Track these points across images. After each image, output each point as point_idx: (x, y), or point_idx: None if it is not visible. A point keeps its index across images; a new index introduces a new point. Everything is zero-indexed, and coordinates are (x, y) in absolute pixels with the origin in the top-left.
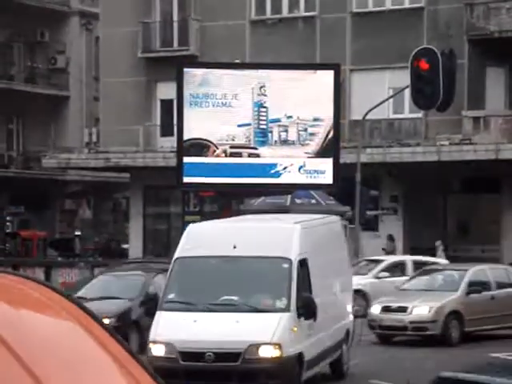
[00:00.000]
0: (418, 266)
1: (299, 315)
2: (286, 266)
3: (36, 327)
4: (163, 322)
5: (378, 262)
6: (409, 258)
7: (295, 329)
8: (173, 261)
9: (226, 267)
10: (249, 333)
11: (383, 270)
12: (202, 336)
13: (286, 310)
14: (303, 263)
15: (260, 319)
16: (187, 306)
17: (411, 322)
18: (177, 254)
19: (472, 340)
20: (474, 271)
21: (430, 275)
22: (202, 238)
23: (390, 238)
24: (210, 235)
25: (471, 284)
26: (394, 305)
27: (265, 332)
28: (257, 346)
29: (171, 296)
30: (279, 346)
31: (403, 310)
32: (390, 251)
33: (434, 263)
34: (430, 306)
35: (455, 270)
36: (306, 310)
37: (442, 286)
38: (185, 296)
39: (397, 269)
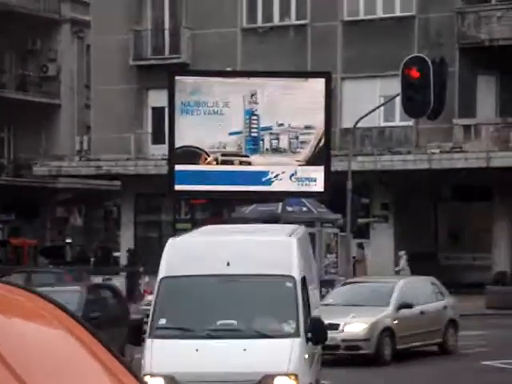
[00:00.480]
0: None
1: (307, 340)
2: (289, 285)
3: (27, 336)
4: (158, 351)
5: None
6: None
7: (306, 356)
8: (158, 280)
9: (221, 287)
10: (260, 362)
11: None
12: (208, 367)
13: (296, 334)
14: (304, 281)
15: (270, 346)
16: (184, 333)
17: (343, 341)
18: (162, 273)
19: (403, 358)
20: (403, 284)
21: (352, 289)
22: (188, 254)
23: (360, 246)
24: (198, 250)
25: (401, 298)
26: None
27: (279, 361)
28: (272, 377)
29: (162, 321)
30: (295, 376)
31: (334, 327)
32: (361, 259)
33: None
34: (363, 323)
35: (381, 282)
36: (316, 333)
37: (369, 300)
38: (179, 321)
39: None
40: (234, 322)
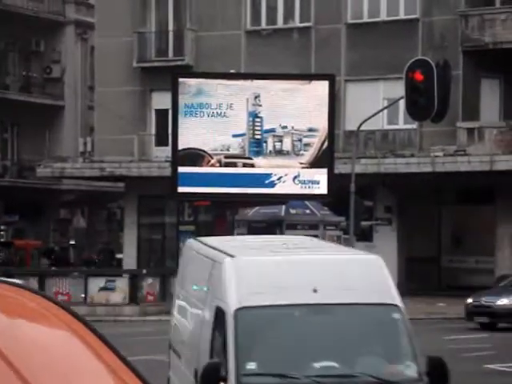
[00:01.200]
0: None
1: None
2: (396, 316)
3: (31, 337)
4: None
5: None
6: None
7: None
8: (233, 312)
9: (311, 320)
10: None
11: None
12: None
13: (420, 380)
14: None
15: None
16: (282, 381)
17: None
18: (236, 303)
19: None
20: None
21: None
22: (261, 278)
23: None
24: (274, 274)
25: None
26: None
27: None
28: None
29: (252, 366)
30: None
31: None
32: None
33: None
34: None
35: None
36: (438, 376)
37: None
38: (272, 365)
39: None
40: (335, 364)
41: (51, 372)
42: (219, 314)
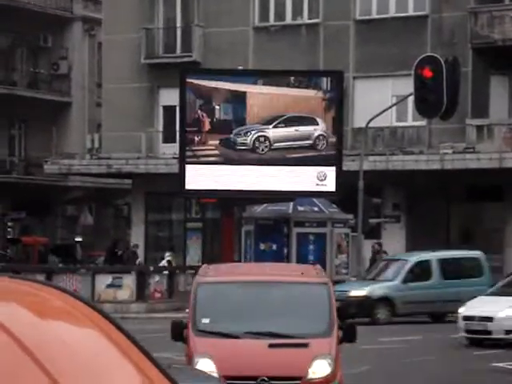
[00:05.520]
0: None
1: None
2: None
3: (58, 335)
4: None
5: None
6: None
7: None
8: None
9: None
10: None
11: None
12: None
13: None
14: None
15: None
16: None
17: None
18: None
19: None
20: None
21: None
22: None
23: (378, 244)
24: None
25: None
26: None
27: None
28: None
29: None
30: None
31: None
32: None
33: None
34: None
35: None
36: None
37: None
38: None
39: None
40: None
41: (78, 370)
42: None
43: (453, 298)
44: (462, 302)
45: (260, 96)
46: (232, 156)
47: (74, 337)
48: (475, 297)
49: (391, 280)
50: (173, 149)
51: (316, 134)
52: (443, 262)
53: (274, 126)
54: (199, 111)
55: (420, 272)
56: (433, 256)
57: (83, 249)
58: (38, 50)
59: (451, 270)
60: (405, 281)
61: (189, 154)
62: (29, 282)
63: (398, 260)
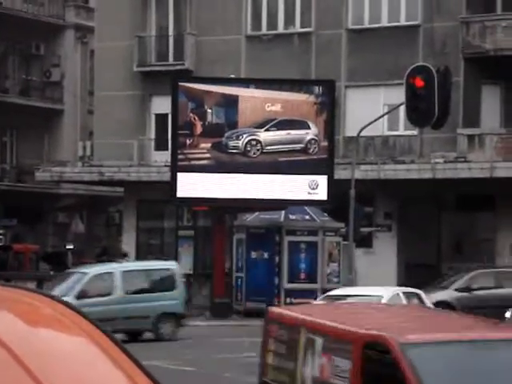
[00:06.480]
0: None
1: None
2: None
3: (49, 343)
4: None
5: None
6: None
7: None
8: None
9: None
10: None
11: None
12: None
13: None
14: None
15: None
16: None
17: None
18: None
19: None
20: None
21: None
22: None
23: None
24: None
25: None
26: None
27: None
28: None
29: None
30: None
31: None
32: None
33: None
34: None
35: None
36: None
37: None
38: None
39: None
40: None
41: (69, 379)
42: None
43: (139, 314)
44: (150, 317)
45: (252, 100)
46: (224, 159)
47: (65, 345)
48: (165, 313)
49: (65, 295)
50: (165, 156)
51: (308, 138)
52: (128, 275)
53: (266, 130)
54: (191, 114)
55: (100, 286)
56: (116, 268)
57: (74, 256)
58: (30, 57)
59: (138, 283)
60: (79, 296)
61: (181, 157)
62: (20, 290)
63: (75, 273)
